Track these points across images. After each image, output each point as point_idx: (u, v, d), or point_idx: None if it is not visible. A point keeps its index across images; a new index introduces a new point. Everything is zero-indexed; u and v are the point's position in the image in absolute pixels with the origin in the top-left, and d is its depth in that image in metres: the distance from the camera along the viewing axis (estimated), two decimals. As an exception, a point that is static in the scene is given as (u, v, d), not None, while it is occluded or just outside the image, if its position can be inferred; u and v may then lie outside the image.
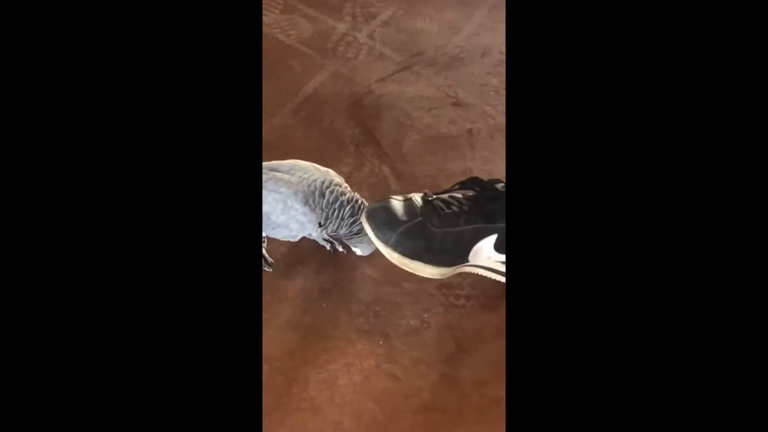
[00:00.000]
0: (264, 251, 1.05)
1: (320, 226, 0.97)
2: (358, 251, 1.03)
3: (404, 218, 0.96)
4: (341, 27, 1.48)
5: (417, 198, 0.99)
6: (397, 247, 0.96)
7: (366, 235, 0.98)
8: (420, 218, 0.96)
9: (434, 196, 0.99)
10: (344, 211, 0.96)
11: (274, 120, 1.27)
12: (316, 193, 0.95)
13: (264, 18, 1.47)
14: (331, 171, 0.99)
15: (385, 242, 0.97)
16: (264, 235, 1.02)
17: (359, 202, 0.98)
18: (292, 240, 1.02)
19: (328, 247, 1.06)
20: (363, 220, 0.98)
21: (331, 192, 0.96)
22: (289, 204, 0.95)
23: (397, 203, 0.98)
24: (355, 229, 0.98)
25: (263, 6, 1.51)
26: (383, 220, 0.97)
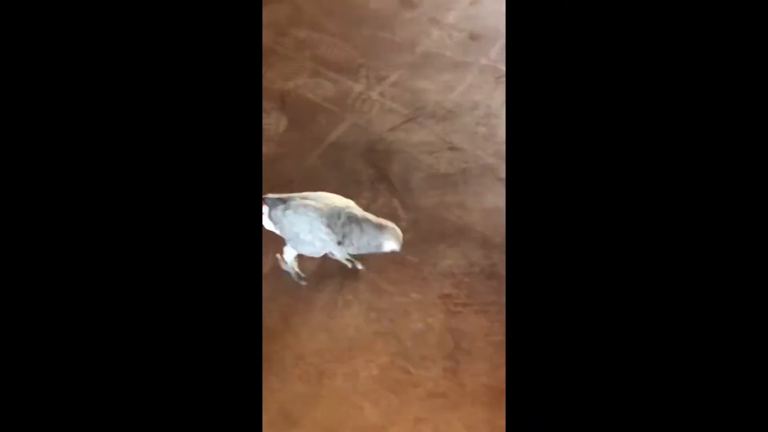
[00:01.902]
0: (297, 268, 1.21)
1: (339, 243, 1.12)
2: (386, 248, 1.10)
3: None
4: (357, 87, 1.63)
5: None
6: None
7: (385, 239, 1.08)
8: None
9: None
10: (356, 228, 1.09)
11: (304, 163, 1.43)
12: (335, 216, 1.10)
13: (296, 81, 1.64)
14: (351, 202, 1.15)
15: None
16: (296, 253, 1.19)
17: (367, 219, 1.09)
18: (316, 255, 1.17)
19: (349, 266, 1.23)
20: None
21: (347, 215, 1.10)
22: (315, 225, 1.11)
23: None
24: (365, 240, 1.09)
25: (294, 71, 1.66)
26: None
